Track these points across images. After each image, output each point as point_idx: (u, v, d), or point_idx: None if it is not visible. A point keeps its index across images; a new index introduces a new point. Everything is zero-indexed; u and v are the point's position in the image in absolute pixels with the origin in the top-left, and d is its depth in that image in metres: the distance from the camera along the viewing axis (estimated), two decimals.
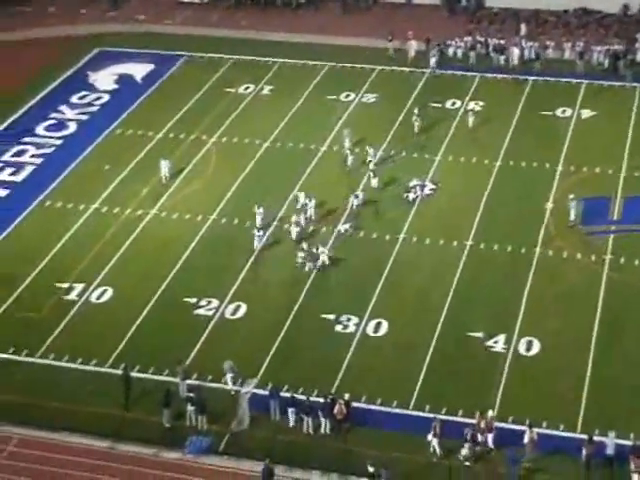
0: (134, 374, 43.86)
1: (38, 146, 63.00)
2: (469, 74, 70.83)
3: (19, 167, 60.83)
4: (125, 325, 47.75)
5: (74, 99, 68.68)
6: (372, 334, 47.02)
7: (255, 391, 43.20)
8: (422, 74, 70.81)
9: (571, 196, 54.31)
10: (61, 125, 65.56)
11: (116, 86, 70.56)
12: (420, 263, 51.69)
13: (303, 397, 42.48)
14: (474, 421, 40.80)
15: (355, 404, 42.23)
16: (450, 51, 73.59)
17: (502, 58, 72.04)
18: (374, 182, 57.10)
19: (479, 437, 40.42)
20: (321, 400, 42.09)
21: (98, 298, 49.77)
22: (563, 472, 39.43)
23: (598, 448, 39.59)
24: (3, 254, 53.26)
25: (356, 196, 55.68)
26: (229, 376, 43.81)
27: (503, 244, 52.58)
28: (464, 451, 40.10)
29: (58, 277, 50.97)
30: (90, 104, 68.10)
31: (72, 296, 49.83)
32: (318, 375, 44.43)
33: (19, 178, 59.87)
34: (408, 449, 40.48)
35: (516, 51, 71.91)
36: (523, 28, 75.67)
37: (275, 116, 65.42)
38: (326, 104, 67.05)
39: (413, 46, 72.79)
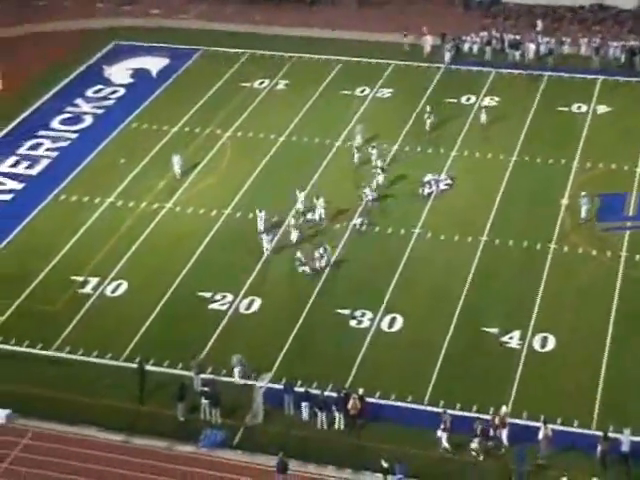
0: (149, 368, 43.92)
1: (53, 139, 63.16)
2: (484, 70, 70.68)
3: (34, 161, 60.96)
4: (140, 319, 47.82)
5: (90, 93, 68.84)
6: (387, 329, 46.98)
7: (269, 385, 43.25)
8: (437, 69, 70.73)
9: (582, 193, 54.19)
10: (77, 119, 65.70)
11: (131, 80, 70.68)
12: (435, 259, 51.63)
13: (317, 392, 42.50)
14: (488, 417, 40.79)
15: (369, 399, 42.21)
16: (465, 46, 73.43)
17: (518, 54, 71.90)
18: (380, 179, 56.72)
19: (492, 432, 40.40)
20: (335, 395, 42.11)
21: (113, 292, 49.86)
22: (578, 469, 39.27)
23: (613, 445, 39.49)
24: (18, 248, 53.37)
25: (371, 191, 55.60)
26: (237, 370, 43.87)
27: (518, 240, 52.48)
28: (473, 445, 40.09)
29: (73, 271, 51.07)
30: (106, 98, 68.24)
31: (87, 289, 49.93)
32: (332, 370, 44.41)
33: (34, 172, 60.00)
34: (422, 444, 40.44)
35: (532, 47, 71.78)
36: (539, 24, 75.49)
37: (290, 111, 65.41)
38: (341, 99, 67.01)
39: (428, 41, 72.68)
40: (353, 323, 47.34)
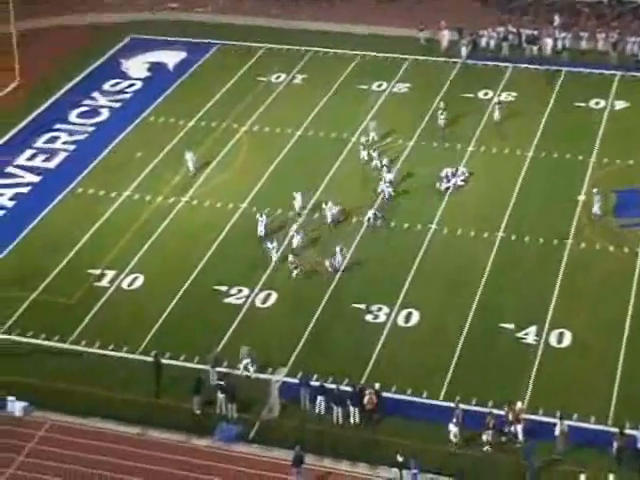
0: (165, 361, 43.99)
1: (71, 133, 63.29)
2: (501, 65, 70.49)
3: (52, 154, 61.10)
4: (156, 312, 47.89)
5: (106, 86, 68.90)
6: (403, 324, 46.95)
7: (285, 379, 43.28)
8: (454, 64, 70.55)
9: (595, 190, 54.03)
10: (93, 112, 65.79)
11: (148, 74, 70.69)
12: (451, 254, 51.56)
13: (333, 386, 42.50)
14: (502, 412, 40.73)
15: (385, 394, 42.20)
16: (483, 41, 73.20)
17: (535, 49, 71.66)
18: (389, 177, 56.28)
19: (507, 428, 40.36)
20: (349, 390, 42.13)
21: (129, 285, 49.95)
22: (594, 464, 39.18)
23: (629, 441, 39.43)
24: (35, 241, 53.50)
25: (387, 186, 55.49)
26: (245, 362, 43.91)
27: (535, 235, 52.36)
28: (484, 437, 40.04)
29: (90, 264, 51.18)
30: (122, 91, 68.29)
31: (104, 283, 50.03)
32: (348, 364, 44.42)
33: (52, 165, 60.15)
34: (437, 439, 40.43)
35: (549, 42, 71.52)
36: (557, 19, 75.21)
37: (307, 105, 65.35)
38: (358, 94, 66.90)
39: (445, 36, 72.46)
40: (369, 318, 47.31)
